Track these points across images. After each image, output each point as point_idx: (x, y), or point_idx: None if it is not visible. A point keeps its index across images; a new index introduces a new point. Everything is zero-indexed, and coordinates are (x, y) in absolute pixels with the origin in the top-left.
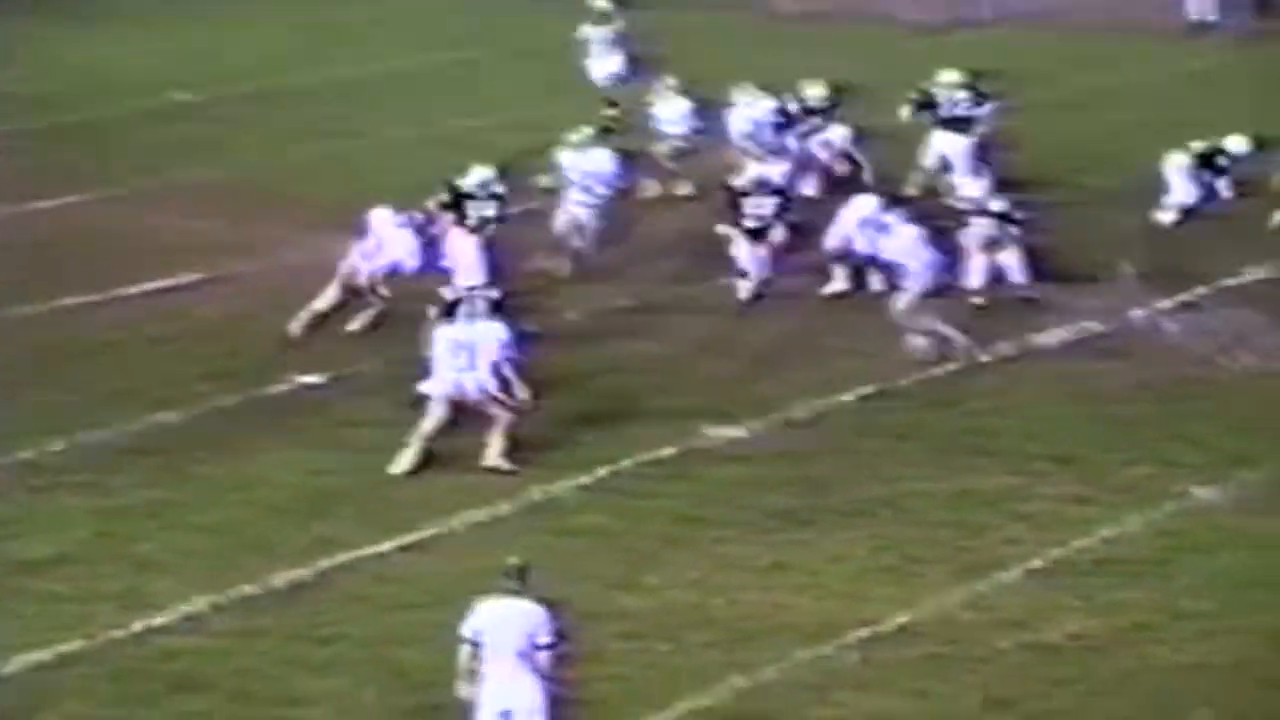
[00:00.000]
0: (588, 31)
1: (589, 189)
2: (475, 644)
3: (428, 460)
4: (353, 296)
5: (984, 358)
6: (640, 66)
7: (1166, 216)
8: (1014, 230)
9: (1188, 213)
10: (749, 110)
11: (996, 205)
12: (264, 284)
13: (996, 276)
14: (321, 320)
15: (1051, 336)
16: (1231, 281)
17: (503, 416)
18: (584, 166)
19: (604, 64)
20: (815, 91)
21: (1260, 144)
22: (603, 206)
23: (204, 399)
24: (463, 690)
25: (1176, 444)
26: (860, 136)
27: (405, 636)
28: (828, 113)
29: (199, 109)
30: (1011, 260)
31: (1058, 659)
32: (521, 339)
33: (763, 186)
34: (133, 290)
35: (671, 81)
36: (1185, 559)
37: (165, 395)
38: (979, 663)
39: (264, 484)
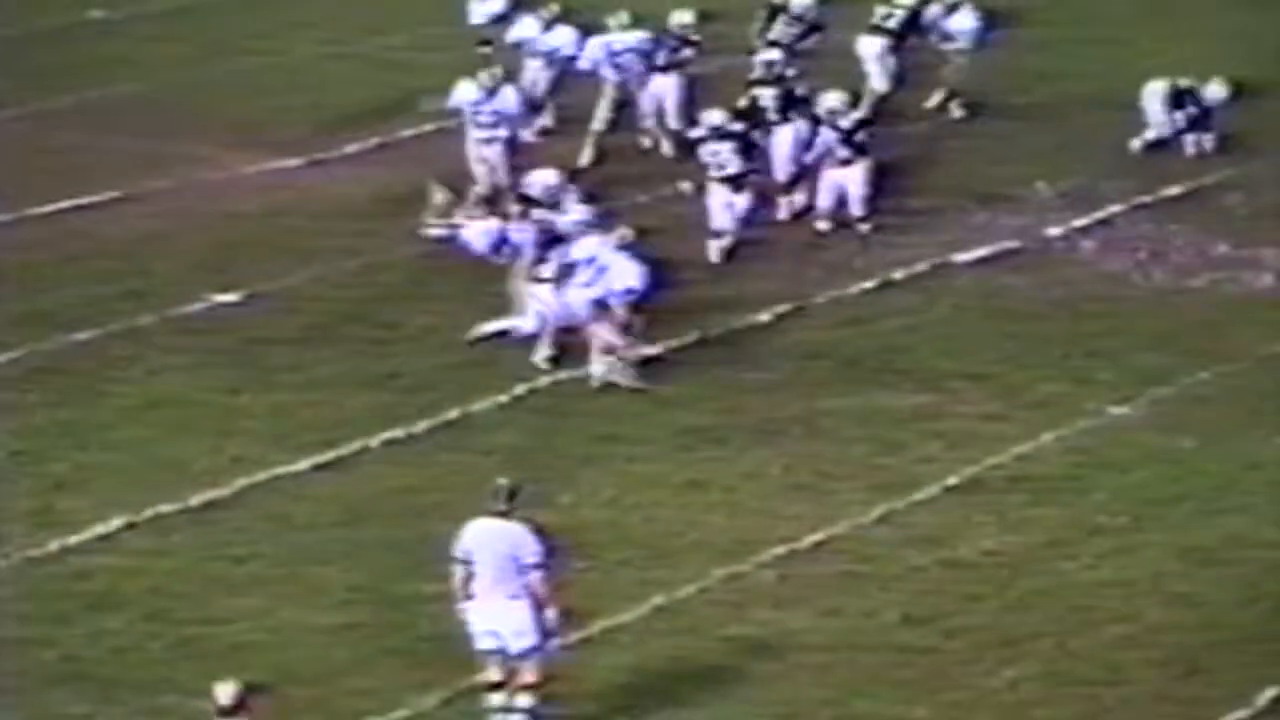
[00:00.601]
0: None
1: (495, 124)
2: (466, 563)
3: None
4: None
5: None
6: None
7: (1135, 143)
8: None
9: (1157, 145)
10: (619, 37)
11: (845, 122)
12: (177, 203)
13: (840, 200)
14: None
15: (966, 253)
16: (1147, 198)
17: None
18: (494, 105)
19: (484, 4)
20: (684, 18)
21: (1238, 91)
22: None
23: (117, 318)
24: (459, 608)
25: (1090, 361)
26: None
27: (323, 554)
28: (697, 44)
29: (113, 25)
30: (855, 184)
31: (973, 575)
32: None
33: (717, 131)
34: (43, 209)
35: (555, 8)
36: (1099, 476)
37: (77, 315)
38: (895, 580)
39: (178, 403)
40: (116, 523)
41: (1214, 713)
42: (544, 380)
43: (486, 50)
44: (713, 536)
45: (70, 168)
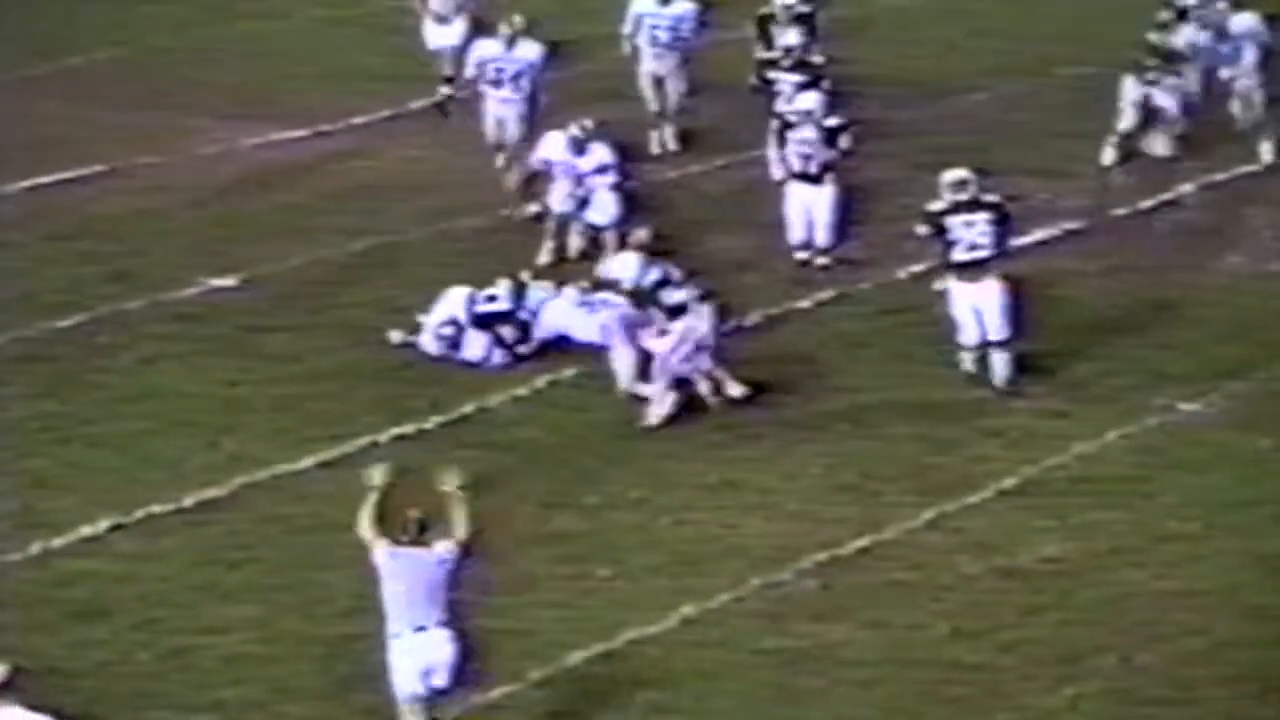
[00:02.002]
0: None
1: (516, 77)
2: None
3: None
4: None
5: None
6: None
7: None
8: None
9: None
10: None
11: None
12: (170, 178)
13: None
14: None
15: (1025, 235)
16: (1221, 176)
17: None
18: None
19: (442, 30)
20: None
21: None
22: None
23: (104, 302)
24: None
25: (1159, 353)
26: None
27: (326, 560)
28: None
29: None
30: (821, 207)
31: (1031, 585)
32: None
33: (809, 116)
34: (24, 185)
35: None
36: (1168, 478)
37: (62, 299)
38: (946, 590)
39: (170, 395)
40: (103, 524)
41: None
42: (567, 372)
43: (448, 91)
44: (749, 542)
45: (53, 140)
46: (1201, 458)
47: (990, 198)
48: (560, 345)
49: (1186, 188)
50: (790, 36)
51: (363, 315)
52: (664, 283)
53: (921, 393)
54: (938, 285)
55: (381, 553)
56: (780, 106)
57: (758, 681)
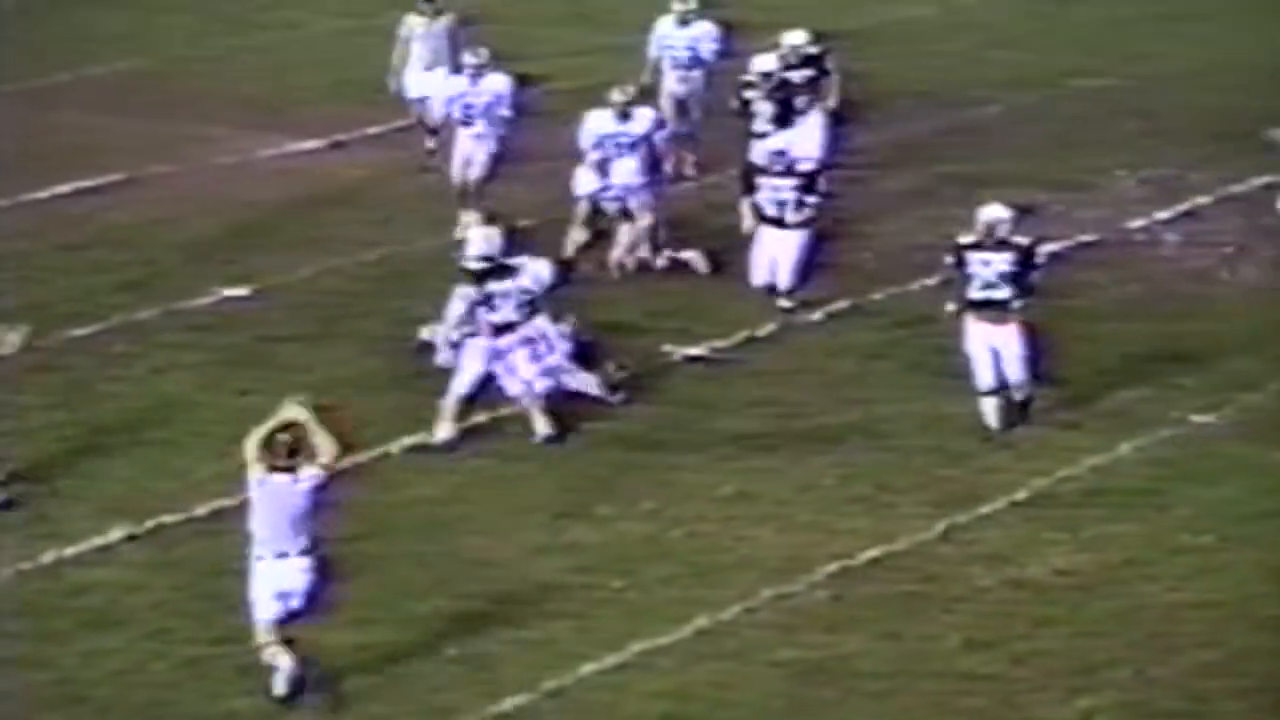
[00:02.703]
0: (413, 25)
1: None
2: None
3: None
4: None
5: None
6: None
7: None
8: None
9: None
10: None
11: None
12: (184, 188)
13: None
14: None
15: (1040, 247)
16: (1236, 188)
17: None
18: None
19: (424, 76)
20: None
21: None
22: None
23: (118, 312)
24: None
25: (1173, 365)
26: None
27: (339, 569)
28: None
29: None
30: (790, 249)
31: (1044, 597)
32: None
33: (780, 156)
34: (40, 194)
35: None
36: (1181, 490)
37: (75, 309)
38: (958, 601)
39: (184, 404)
40: (116, 534)
41: None
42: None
43: (432, 145)
44: (761, 553)
45: (69, 149)
46: (1215, 470)
47: (1020, 240)
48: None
49: (1202, 199)
50: (763, 63)
51: (375, 325)
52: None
53: (934, 404)
54: (950, 307)
55: (253, 479)
56: (752, 147)
57: (770, 692)
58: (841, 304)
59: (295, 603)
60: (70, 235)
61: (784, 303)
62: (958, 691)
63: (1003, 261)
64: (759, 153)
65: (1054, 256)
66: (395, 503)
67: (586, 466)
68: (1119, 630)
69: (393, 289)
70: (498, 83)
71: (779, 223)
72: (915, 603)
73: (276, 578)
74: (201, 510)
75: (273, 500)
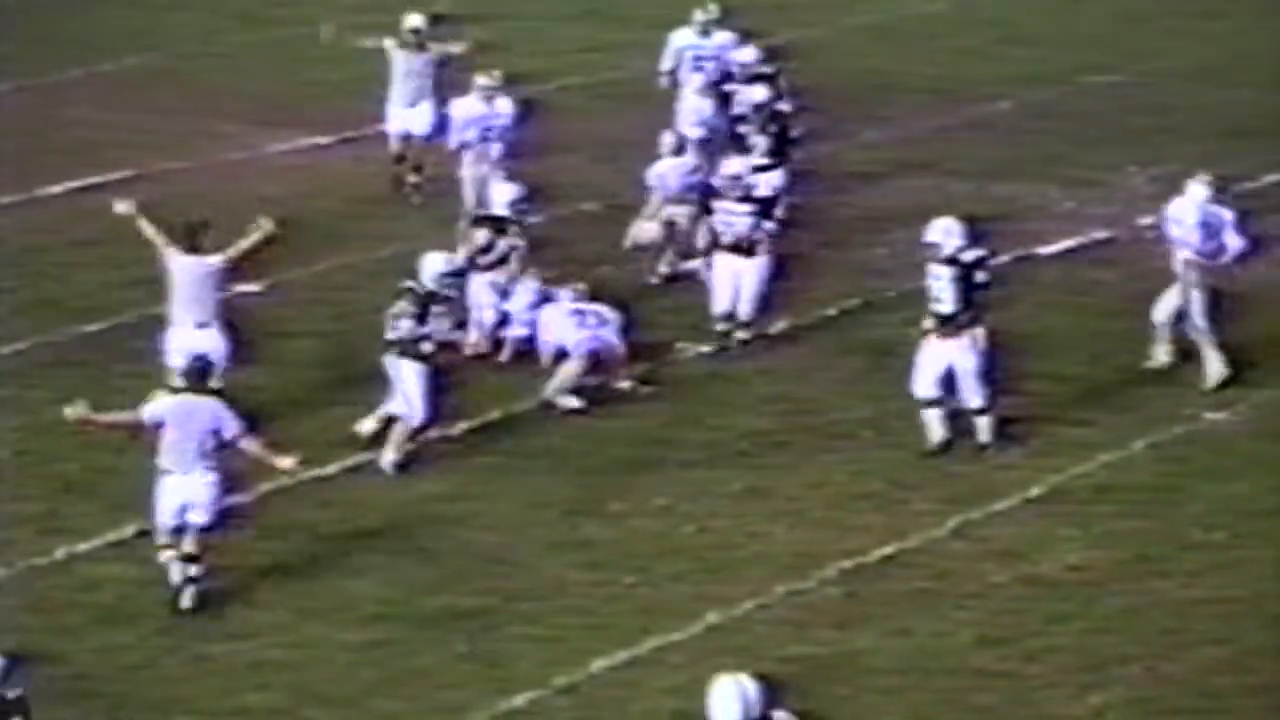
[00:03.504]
0: (395, 59)
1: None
2: (151, 429)
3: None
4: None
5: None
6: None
7: None
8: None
9: None
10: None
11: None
12: (196, 183)
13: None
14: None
15: (1051, 245)
16: (1248, 185)
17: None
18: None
19: (408, 113)
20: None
21: None
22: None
23: (131, 307)
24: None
25: (1185, 362)
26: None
27: (351, 566)
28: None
29: None
30: (751, 276)
31: (1056, 593)
32: None
33: (736, 181)
34: (52, 189)
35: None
36: (1194, 486)
37: (90, 304)
38: (971, 598)
39: None
40: (129, 529)
41: None
42: (589, 379)
43: (416, 179)
44: (773, 549)
45: (82, 144)
46: (1228, 467)
47: (967, 256)
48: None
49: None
50: (756, 94)
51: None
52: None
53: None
54: (925, 325)
55: (161, 403)
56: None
57: (781, 689)
58: (854, 301)
59: (196, 517)
60: (83, 231)
61: (741, 334)
62: (970, 688)
63: (948, 276)
64: (716, 178)
65: (1068, 252)
66: (408, 499)
67: (598, 463)
68: (1131, 626)
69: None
70: (507, 105)
71: (735, 249)
72: (927, 599)
73: (180, 490)
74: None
75: (183, 421)
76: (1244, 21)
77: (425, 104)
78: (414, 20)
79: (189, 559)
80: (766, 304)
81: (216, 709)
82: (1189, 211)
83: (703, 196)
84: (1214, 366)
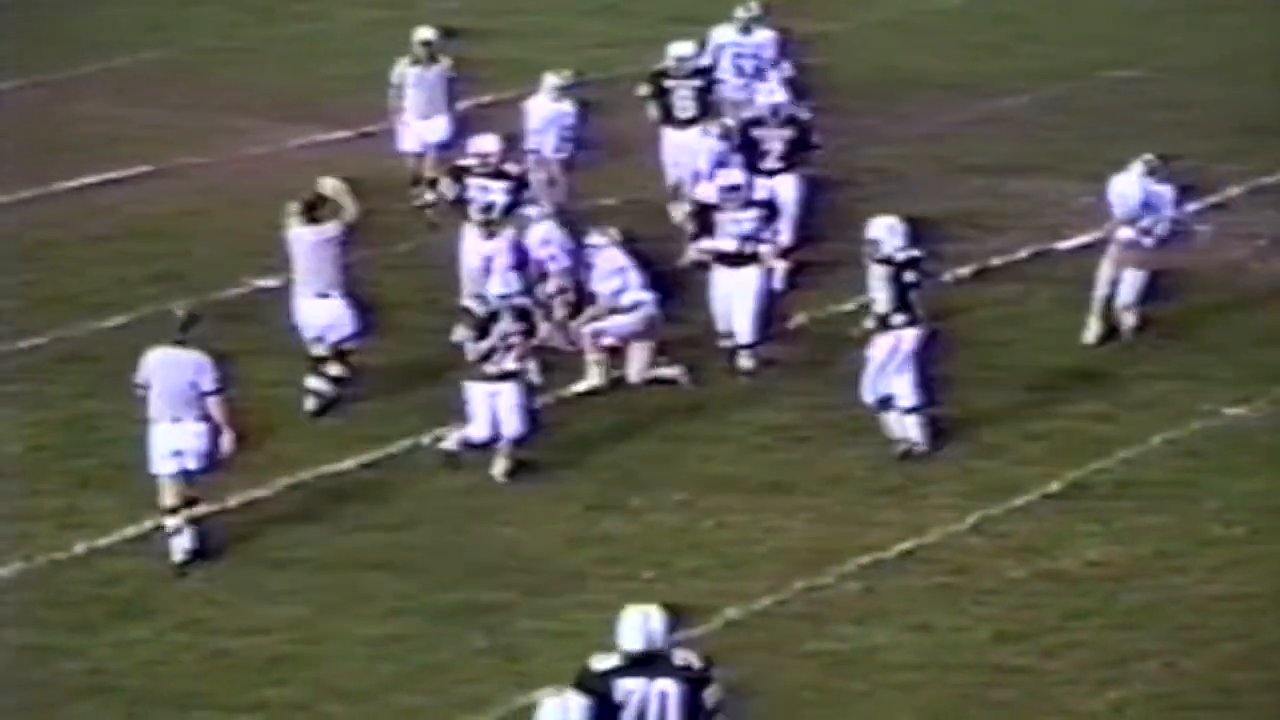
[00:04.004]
0: (406, 73)
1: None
2: (144, 388)
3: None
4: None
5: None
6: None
7: None
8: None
9: None
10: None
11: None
12: (214, 178)
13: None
14: None
15: (1069, 240)
16: (1267, 180)
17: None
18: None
19: (421, 126)
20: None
21: None
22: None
23: (149, 303)
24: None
25: (1204, 357)
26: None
27: (370, 560)
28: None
29: None
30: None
31: (1075, 589)
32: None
33: (735, 191)
34: (69, 185)
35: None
36: (1213, 482)
37: (106, 299)
38: (989, 593)
39: None
40: (147, 524)
41: None
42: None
43: (432, 197)
44: (792, 544)
45: (98, 140)
46: (1246, 462)
47: (901, 256)
48: None
49: (1233, 191)
50: (775, 96)
51: (407, 316)
52: None
53: (964, 396)
54: (866, 325)
55: (147, 360)
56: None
57: (800, 684)
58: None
59: (190, 463)
60: (100, 226)
61: (744, 362)
62: (988, 684)
63: (882, 275)
64: (708, 191)
65: (1084, 248)
66: (426, 493)
67: (618, 458)
68: (1150, 622)
69: (425, 278)
70: (571, 104)
71: (735, 259)
72: (946, 594)
73: (170, 437)
74: (232, 500)
75: (167, 376)
76: (1259, 17)
77: (440, 117)
78: (425, 33)
79: (187, 503)
80: (768, 321)
81: (234, 704)
82: (1132, 188)
83: (697, 213)
84: (1098, 329)
